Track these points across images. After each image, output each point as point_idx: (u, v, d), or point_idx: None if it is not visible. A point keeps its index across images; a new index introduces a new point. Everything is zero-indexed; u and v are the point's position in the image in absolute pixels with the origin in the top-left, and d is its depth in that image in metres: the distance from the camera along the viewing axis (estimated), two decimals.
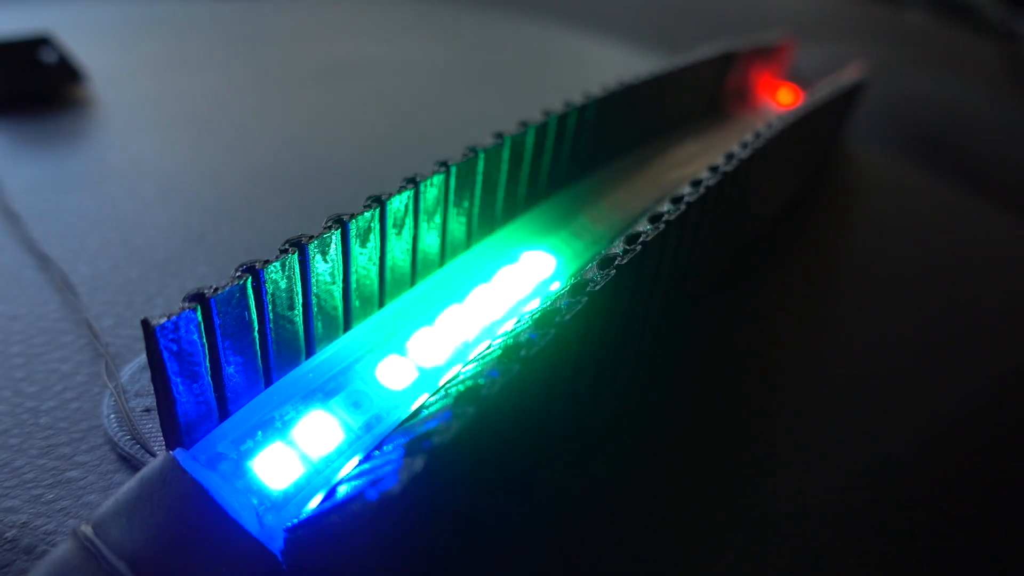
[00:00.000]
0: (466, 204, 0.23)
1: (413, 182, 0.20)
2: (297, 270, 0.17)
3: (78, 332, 0.23)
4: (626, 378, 0.24)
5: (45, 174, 0.31)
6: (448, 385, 0.19)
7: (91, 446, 0.19)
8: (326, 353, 0.20)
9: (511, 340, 0.15)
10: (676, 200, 0.20)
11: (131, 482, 0.15)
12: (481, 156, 0.22)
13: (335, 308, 0.19)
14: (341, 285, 0.19)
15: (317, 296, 0.18)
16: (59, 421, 0.20)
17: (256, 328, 0.17)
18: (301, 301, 0.18)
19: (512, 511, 0.19)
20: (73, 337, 0.23)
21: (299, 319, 0.18)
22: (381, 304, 0.21)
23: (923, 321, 0.31)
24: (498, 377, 0.14)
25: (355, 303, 0.20)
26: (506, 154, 0.24)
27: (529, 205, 0.27)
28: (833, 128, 0.43)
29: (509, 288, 0.24)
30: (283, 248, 0.17)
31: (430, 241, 0.22)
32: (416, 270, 0.22)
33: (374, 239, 0.19)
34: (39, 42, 0.38)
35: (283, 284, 0.17)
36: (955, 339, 0.30)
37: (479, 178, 0.23)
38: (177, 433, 0.16)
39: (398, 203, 0.20)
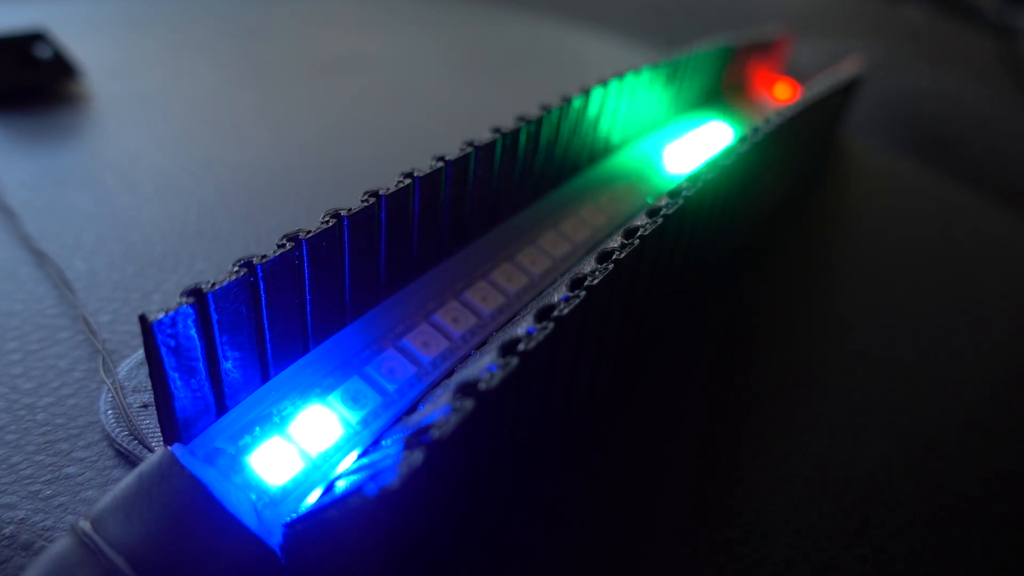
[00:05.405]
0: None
1: (411, 176, 0.20)
2: (295, 265, 0.17)
3: (75, 328, 0.23)
4: (624, 373, 0.24)
5: (41, 170, 0.31)
6: (446, 380, 0.19)
7: (89, 442, 0.19)
8: (324, 348, 0.20)
9: (509, 335, 0.15)
10: (674, 195, 0.20)
11: (129, 478, 0.15)
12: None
13: (333, 303, 0.19)
14: (339, 280, 0.19)
15: (315, 291, 0.18)
16: (56, 417, 0.20)
17: (254, 323, 0.17)
18: (299, 296, 0.18)
19: (511, 506, 0.19)
20: (70, 333, 0.23)
21: (297, 314, 0.18)
22: (380, 299, 0.21)
23: (921, 317, 0.31)
24: (496, 371, 0.14)
25: (353, 298, 0.20)
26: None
27: (536, 196, 0.27)
28: (831, 123, 0.43)
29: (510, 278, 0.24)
30: (281, 243, 0.17)
31: (432, 233, 0.22)
32: (416, 263, 0.22)
33: (373, 233, 0.19)
34: (34, 37, 0.37)
35: (281, 279, 0.17)
36: (953, 335, 0.30)
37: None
38: (175, 428, 0.16)
39: (398, 196, 0.20)
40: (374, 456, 0.16)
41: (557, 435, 0.21)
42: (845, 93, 0.41)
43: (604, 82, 0.28)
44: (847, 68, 0.42)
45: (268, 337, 0.18)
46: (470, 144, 0.22)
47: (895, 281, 0.33)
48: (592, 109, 0.28)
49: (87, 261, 0.26)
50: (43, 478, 0.18)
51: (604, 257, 0.18)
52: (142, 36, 0.48)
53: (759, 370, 0.26)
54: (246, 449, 0.17)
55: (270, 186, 0.32)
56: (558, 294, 0.16)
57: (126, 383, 0.21)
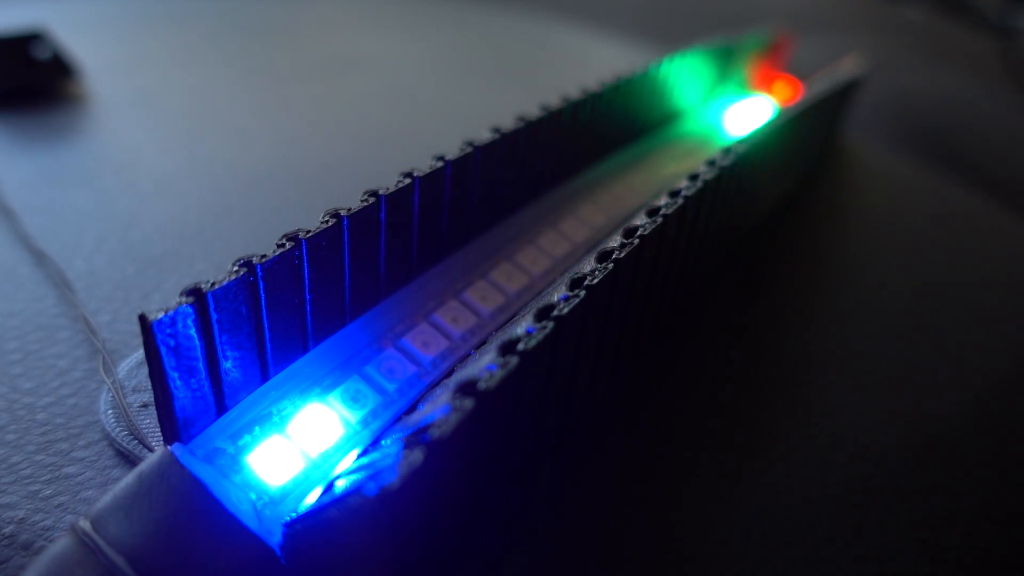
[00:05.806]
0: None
1: (411, 176, 0.20)
2: (295, 265, 0.17)
3: (75, 328, 0.23)
4: (623, 372, 0.24)
5: (40, 170, 0.31)
6: (446, 380, 0.19)
7: (88, 442, 0.19)
8: (324, 348, 0.20)
9: (509, 334, 0.15)
10: (674, 194, 0.20)
11: (129, 477, 0.15)
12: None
13: (333, 302, 0.19)
14: (339, 279, 0.19)
15: (315, 290, 0.18)
16: (56, 417, 0.20)
17: (254, 323, 0.17)
18: (299, 296, 0.18)
19: (511, 505, 0.19)
20: (70, 333, 0.23)
21: (296, 314, 0.18)
22: (380, 299, 0.21)
23: (921, 316, 0.31)
24: (496, 371, 0.14)
25: (353, 298, 0.20)
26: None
27: (534, 195, 0.27)
28: (831, 123, 0.43)
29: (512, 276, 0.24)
30: (281, 243, 0.17)
31: (431, 232, 0.22)
32: (416, 263, 0.22)
33: (373, 232, 0.19)
34: (32, 37, 0.37)
35: (281, 279, 0.17)
36: (953, 334, 0.30)
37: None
38: (175, 428, 0.16)
39: (398, 196, 0.20)
40: (374, 456, 0.16)
41: (556, 434, 0.21)
42: (845, 92, 0.41)
43: (601, 84, 0.28)
44: (847, 67, 0.42)
45: (268, 337, 0.18)
46: (470, 144, 0.22)
47: (894, 281, 0.33)
48: (587, 111, 0.28)
49: (87, 261, 0.26)
50: (43, 478, 0.18)
51: (604, 257, 0.18)
52: (141, 36, 0.48)
53: (759, 369, 0.26)
54: (246, 449, 0.17)
55: (270, 186, 0.32)
56: (558, 294, 0.16)
57: (126, 383, 0.21)
